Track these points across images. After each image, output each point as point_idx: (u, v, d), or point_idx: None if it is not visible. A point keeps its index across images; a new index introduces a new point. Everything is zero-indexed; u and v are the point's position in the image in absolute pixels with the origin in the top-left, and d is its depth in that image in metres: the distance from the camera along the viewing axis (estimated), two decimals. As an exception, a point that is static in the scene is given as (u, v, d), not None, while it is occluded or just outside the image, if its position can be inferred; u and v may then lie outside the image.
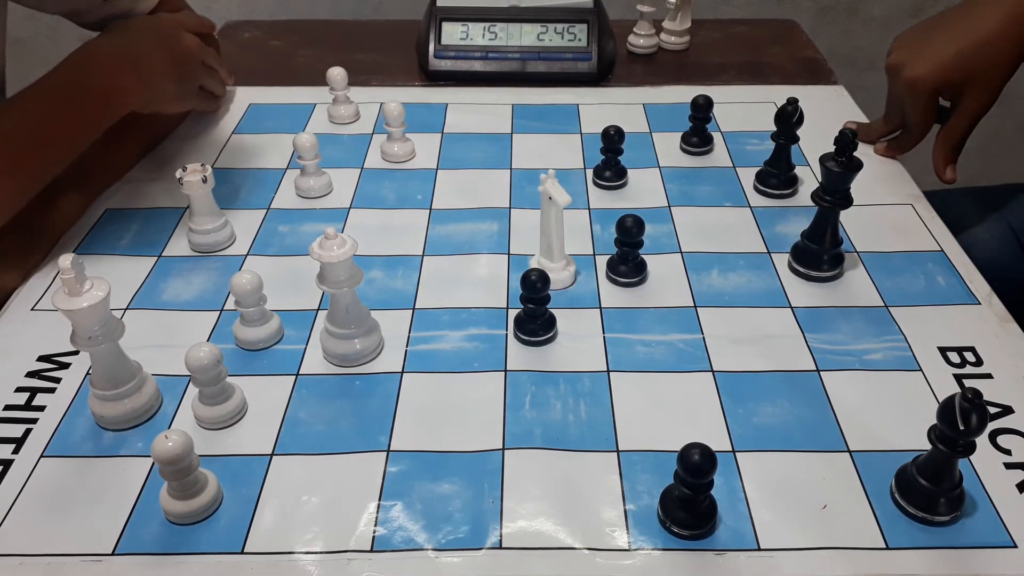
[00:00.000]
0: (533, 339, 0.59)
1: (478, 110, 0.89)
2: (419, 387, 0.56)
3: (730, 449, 0.51)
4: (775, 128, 0.74)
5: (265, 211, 0.74)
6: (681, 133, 0.83)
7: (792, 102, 0.72)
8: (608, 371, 0.57)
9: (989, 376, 0.56)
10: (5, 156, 0.62)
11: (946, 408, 0.44)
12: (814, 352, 0.58)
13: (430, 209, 0.74)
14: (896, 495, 0.48)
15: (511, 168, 0.79)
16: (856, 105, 0.89)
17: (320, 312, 0.62)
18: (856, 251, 0.68)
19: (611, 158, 0.76)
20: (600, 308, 0.63)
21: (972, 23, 0.72)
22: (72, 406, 0.55)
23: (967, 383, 0.55)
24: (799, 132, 0.74)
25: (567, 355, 0.59)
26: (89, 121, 0.68)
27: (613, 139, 0.74)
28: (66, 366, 0.58)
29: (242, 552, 0.46)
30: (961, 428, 0.43)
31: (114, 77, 0.70)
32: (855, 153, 0.61)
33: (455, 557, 0.46)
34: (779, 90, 0.91)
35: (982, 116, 0.74)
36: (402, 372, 0.57)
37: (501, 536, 0.47)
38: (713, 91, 0.86)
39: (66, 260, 0.48)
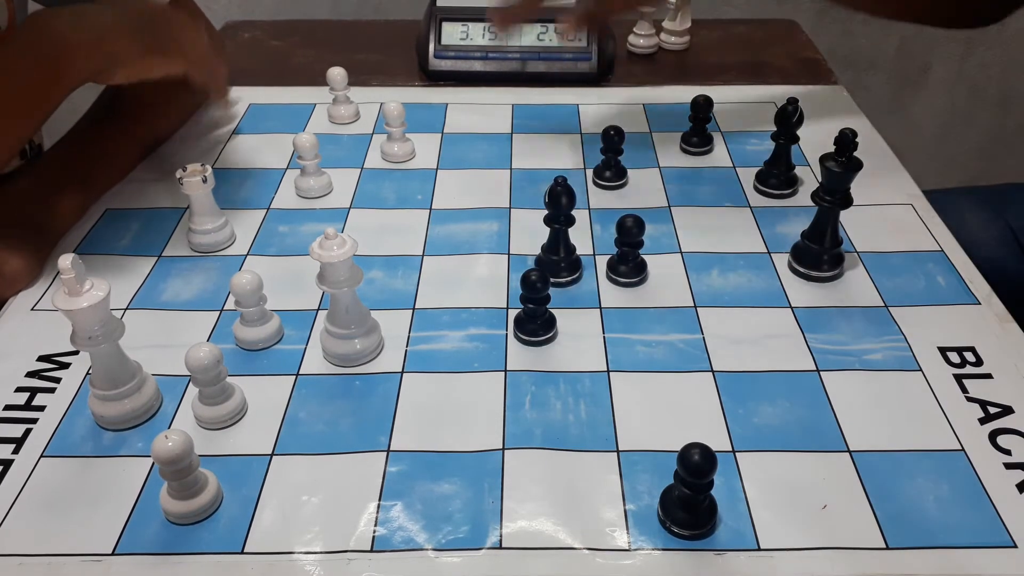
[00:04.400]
0: (533, 339, 0.59)
1: (478, 110, 0.89)
2: (419, 387, 0.56)
3: (730, 449, 0.51)
4: (775, 128, 0.74)
5: (265, 211, 0.74)
6: (681, 133, 0.83)
7: (792, 102, 0.72)
8: (608, 371, 0.57)
9: (989, 376, 0.56)
10: None
11: None
12: (814, 352, 0.58)
13: (430, 209, 0.74)
14: None
15: (511, 168, 0.79)
16: (856, 105, 0.89)
17: (320, 312, 0.62)
18: (856, 251, 0.68)
19: (611, 158, 0.76)
20: (600, 308, 0.63)
21: None
22: (72, 406, 0.55)
23: (967, 383, 0.55)
24: (799, 132, 0.74)
25: (567, 355, 0.58)
26: (39, 89, 0.62)
27: (613, 139, 0.74)
28: (66, 366, 0.58)
29: (242, 552, 0.46)
30: None
31: (58, 40, 0.62)
32: (855, 153, 0.61)
33: (455, 557, 0.46)
34: (779, 90, 0.91)
35: None
36: (402, 372, 0.57)
37: (501, 536, 0.47)
38: (713, 91, 0.86)
39: (66, 260, 0.48)
